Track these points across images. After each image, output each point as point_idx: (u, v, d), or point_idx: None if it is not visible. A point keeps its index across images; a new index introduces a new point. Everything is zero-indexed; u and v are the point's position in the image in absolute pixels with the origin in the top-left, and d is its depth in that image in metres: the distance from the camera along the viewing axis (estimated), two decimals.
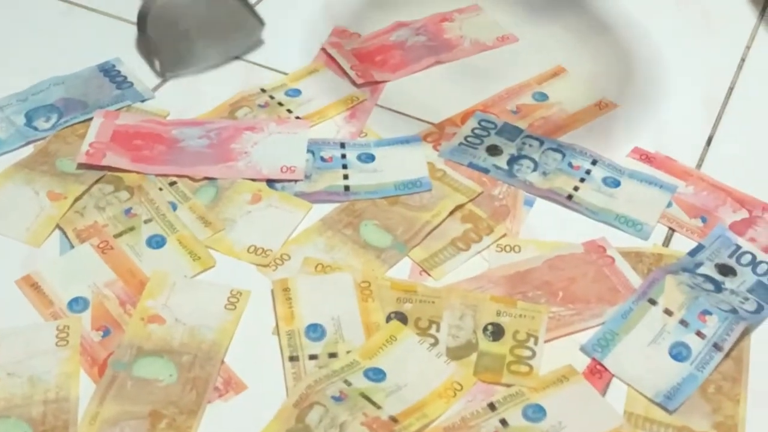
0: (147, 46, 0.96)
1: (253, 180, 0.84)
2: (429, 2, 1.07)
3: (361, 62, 0.97)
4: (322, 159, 0.85)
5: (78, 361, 0.71)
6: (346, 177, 0.84)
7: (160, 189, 0.84)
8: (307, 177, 0.84)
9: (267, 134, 0.88)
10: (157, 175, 0.85)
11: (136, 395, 0.69)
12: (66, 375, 0.70)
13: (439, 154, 0.88)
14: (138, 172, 0.85)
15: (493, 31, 1.03)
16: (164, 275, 0.77)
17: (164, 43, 0.93)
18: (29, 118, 0.90)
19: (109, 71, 0.96)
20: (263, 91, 0.94)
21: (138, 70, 0.96)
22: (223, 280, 0.77)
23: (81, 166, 0.85)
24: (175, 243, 0.79)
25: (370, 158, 0.86)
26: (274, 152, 0.86)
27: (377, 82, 0.95)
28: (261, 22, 0.96)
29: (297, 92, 0.93)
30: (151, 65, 0.95)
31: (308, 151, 0.87)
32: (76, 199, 0.82)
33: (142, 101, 0.93)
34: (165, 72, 0.94)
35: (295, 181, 0.84)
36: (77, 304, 0.75)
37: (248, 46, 0.98)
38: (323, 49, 0.99)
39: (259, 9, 0.99)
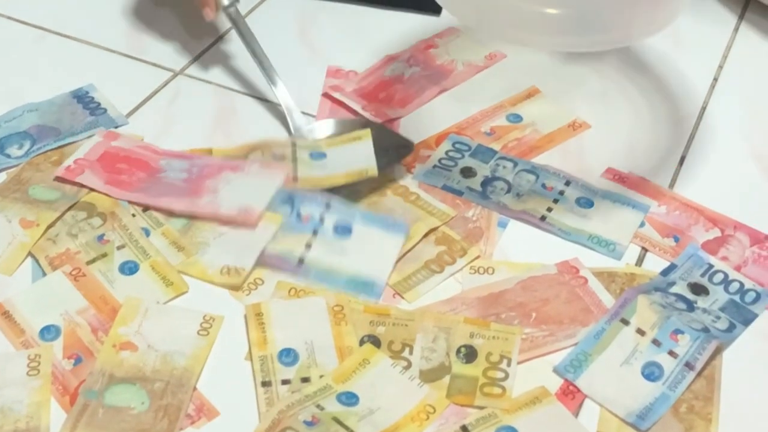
0: None
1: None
2: (402, 28, 1.07)
3: (368, 102, 0.96)
4: (298, 215, 0.83)
5: (49, 390, 0.71)
6: (308, 246, 0.81)
7: (133, 215, 0.84)
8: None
9: (244, 175, 0.86)
10: (129, 202, 0.84)
11: (108, 424, 0.69)
12: (37, 404, 0.70)
13: (413, 176, 0.89)
14: (106, 195, 0.85)
15: (479, 50, 1.03)
16: (137, 302, 0.76)
17: None
18: (1, 145, 0.90)
19: (83, 97, 0.96)
20: (293, 144, 0.90)
21: (112, 96, 0.96)
22: (197, 306, 0.77)
23: (57, 179, 0.85)
24: (148, 269, 0.79)
25: (346, 232, 0.82)
26: (240, 193, 0.84)
27: (392, 120, 0.95)
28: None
29: (322, 155, 0.89)
30: None
31: (289, 201, 0.84)
32: (49, 227, 0.82)
33: (116, 127, 0.93)
34: None
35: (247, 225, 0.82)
36: (49, 332, 0.75)
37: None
38: (326, 94, 0.98)
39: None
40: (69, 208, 0.84)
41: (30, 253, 0.80)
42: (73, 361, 0.73)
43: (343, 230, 0.82)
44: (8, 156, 0.89)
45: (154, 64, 1.01)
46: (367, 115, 0.94)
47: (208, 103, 0.97)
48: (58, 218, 0.83)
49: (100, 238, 0.82)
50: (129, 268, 0.79)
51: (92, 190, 0.85)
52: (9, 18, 1.06)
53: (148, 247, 0.81)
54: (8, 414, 0.69)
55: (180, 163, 0.88)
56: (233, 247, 0.81)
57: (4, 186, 0.86)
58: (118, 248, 0.81)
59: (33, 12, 1.07)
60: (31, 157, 0.89)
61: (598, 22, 0.76)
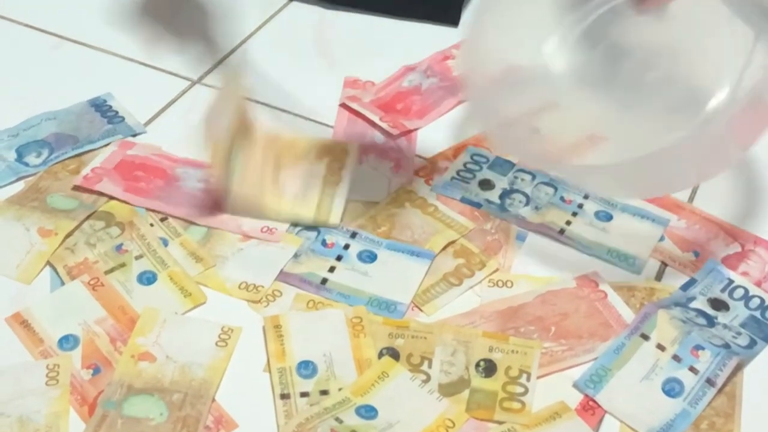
0: None
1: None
2: (419, 40, 1.07)
3: (386, 113, 0.96)
4: (324, 243, 0.83)
5: (68, 400, 0.71)
6: (331, 269, 0.81)
7: (152, 225, 0.84)
8: (296, 256, 0.82)
9: None
10: (147, 210, 0.84)
11: None
12: (55, 415, 0.70)
13: (432, 188, 0.88)
14: (126, 202, 0.85)
15: None
16: (155, 312, 0.76)
17: None
18: (20, 153, 0.90)
19: (101, 106, 0.96)
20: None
21: (129, 104, 0.96)
22: (215, 317, 0.77)
23: (76, 188, 0.86)
24: (166, 279, 0.79)
25: (371, 258, 0.82)
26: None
27: (410, 131, 0.95)
28: None
29: None
30: None
31: (315, 228, 0.84)
32: (67, 236, 0.82)
33: (134, 135, 0.93)
34: None
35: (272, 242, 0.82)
36: (67, 341, 0.75)
37: None
38: (343, 105, 0.97)
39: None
40: (87, 218, 0.84)
41: (48, 263, 0.80)
42: (91, 371, 0.73)
43: (369, 257, 0.82)
44: (26, 164, 0.89)
45: (172, 73, 1.01)
46: (385, 126, 0.94)
47: None
48: (77, 227, 0.83)
49: (119, 247, 0.81)
50: (147, 278, 0.79)
51: (111, 198, 0.85)
52: (27, 26, 1.06)
53: (166, 257, 0.81)
54: (27, 424, 0.69)
55: (195, 171, 0.88)
56: (252, 263, 0.81)
57: (22, 194, 0.86)
58: (137, 258, 0.81)
59: (51, 20, 1.07)
60: (49, 166, 0.89)
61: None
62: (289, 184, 0.86)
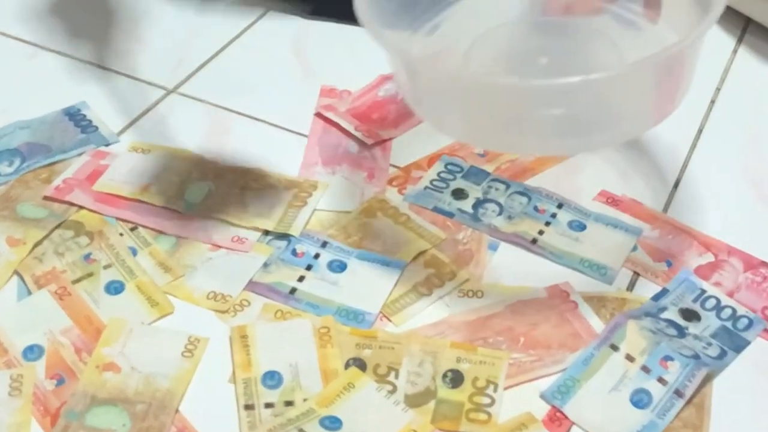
0: None
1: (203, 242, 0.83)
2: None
3: (361, 122, 0.96)
4: (294, 252, 0.82)
5: (30, 411, 0.70)
6: (301, 279, 0.80)
7: (121, 234, 0.83)
8: (266, 265, 0.81)
9: None
10: (117, 220, 0.84)
11: None
12: (17, 425, 0.69)
13: (404, 198, 0.88)
14: (96, 212, 0.84)
15: None
16: (121, 322, 0.76)
17: None
18: None
19: (75, 115, 0.95)
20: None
21: (103, 114, 0.96)
22: (182, 327, 0.77)
23: (47, 198, 0.85)
24: (134, 289, 0.79)
25: (341, 268, 0.81)
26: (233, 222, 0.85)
27: (384, 140, 0.94)
28: None
29: None
30: None
31: (284, 237, 0.84)
32: (36, 245, 0.82)
33: (107, 145, 0.92)
34: None
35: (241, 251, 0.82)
36: (32, 352, 0.74)
37: None
38: (318, 114, 0.97)
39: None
40: (57, 227, 0.83)
41: (16, 272, 0.80)
42: (55, 381, 0.72)
43: (338, 266, 0.81)
44: None
45: (147, 82, 1.01)
46: (359, 135, 0.94)
47: (201, 121, 0.97)
48: (46, 236, 0.82)
49: (87, 257, 0.81)
50: (115, 288, 0.79)
51: (82, 207, 0.85)
52: (2, 34, 1.06)
53: (134, 266, 0.80)
54: None
55: None
56: (221, 272, 0.80)
57: None
58: (105, 267, 0.80)
59: (25, 28, 1.06)
60: (21, 175, 0.88)
61: (595, 124, 0.73)
62: (253, 203, 0.86)
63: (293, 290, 0.79)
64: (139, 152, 0.91)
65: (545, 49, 0.81)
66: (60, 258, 0.81)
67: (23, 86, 1.00)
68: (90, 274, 0.80)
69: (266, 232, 0.84)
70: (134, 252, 0.82)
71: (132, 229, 0.84)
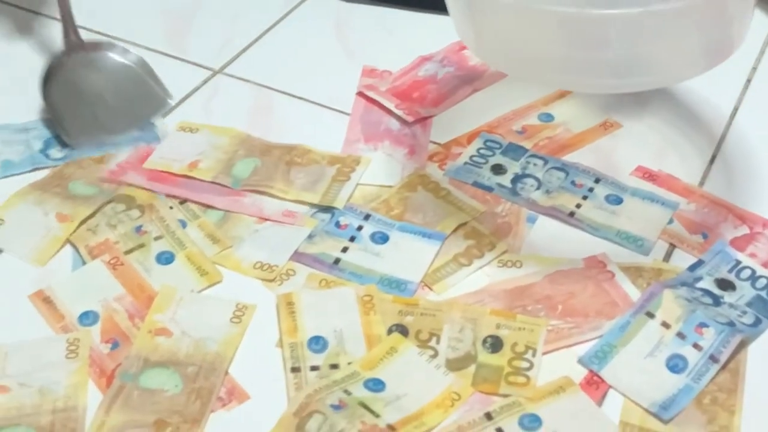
0: (51, 111, 0.94)
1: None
2: (436, 30, 1.08)
3: (402, 101, 0.98)
4: (337, 224, 0.85)
5: (87, 372, 0.73)
6: (344, 249, 0.83)
7: (171, 208, 0.86)
8: (311, 237, 0.84)
9: None
10: (167, 195, 0.87)
11: (142, 405, 0.71)
12: (75, 386, 0.72)
13: (445, 173, 0.90)
14: (150, 190, 0.87)
15: None
16: (172, 290, 0.79)
17: (67, 110, 0.93)
18: (46, 144, 0.92)
19: None
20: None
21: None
22: (230, 295, 0.79)
23: (102, 180, 0.88)
24: (184, 259, 0.81)
25: (383, 239, 0.83)
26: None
27: (425, 118, 0.96)
28: (168, 95, 0.96)
29: None
30: (57, 132, 0.93)
31: (332, 210, 0.86)
32: (82, 222, 0.84)
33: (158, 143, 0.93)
34: (70, 140, 0.92)
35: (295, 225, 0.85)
36: (87, 318, 0.77)
37: (156, 114, 0.96)
38: (360, 93, 1.00)
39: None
40: (105, 203, 0.86)
41: (70, 242, 0.83)
42: (110, 345, 0.75)
43: (381, 238, 0.84)
44: (47, 156, 0.91)
45: (194, 63, 1.04)
46: (400, 113, 0.96)
47: (246, 101, 0.99)
48: (92, 214, 0.85)
49: (138, 229, 0.84)
50: (165, 258, 0.82)
51: (136, 186, 0.88)
52: (53, 18, 1.09)
53: (184, 238, 0.83)
54: (47, 394, 0.71)
55: None
56: (267, 243, 0.83)
57: (46, 180, 0.89)
58: (155, 239, 0.83)
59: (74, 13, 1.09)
60: (67, 162, 0.91)
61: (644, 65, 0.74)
62: (298, 177, 0.89)
63: (337, 260, 0.82)
64: (187, 132, 0.94)
65: None
66: (112, 230, 0.84)
67: None
68: (141, 245, 0.82)
69: (312, 205, 0.86)
70: (183, 224, 0.84)
71: (181, 203, 0.86)
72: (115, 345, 0.75)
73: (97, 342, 0.75)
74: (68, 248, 0.83)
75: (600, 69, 0.74)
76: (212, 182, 0.88)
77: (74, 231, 0.84)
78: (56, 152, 0.92)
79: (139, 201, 0.86)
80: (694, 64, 0.76)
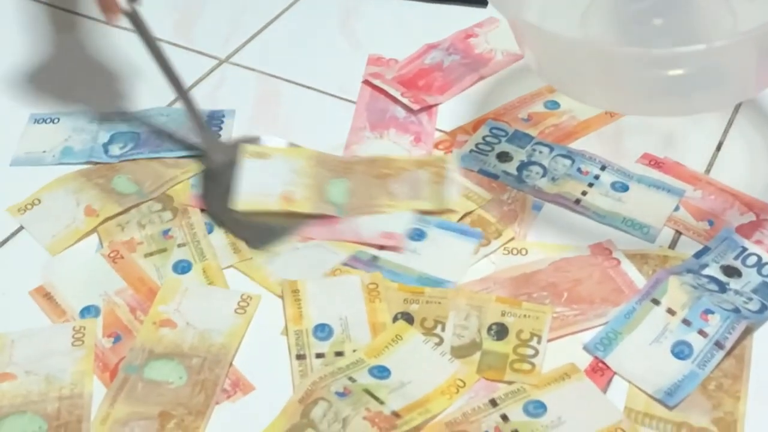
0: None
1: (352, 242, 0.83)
2: (442, 19, 1.08)
3: (407, 89, 0.98)
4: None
5: (92, 360, 0.74)
6: (380, 247, 0.82)
7: (203, 210, 0.85)
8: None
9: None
10: None
11: (146, 397, 0.71)
12: (80, 373, 0.72)
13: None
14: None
15: None
16: (177, 281, 0.79)
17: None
18: (111, 139, 0.92)
19: (215, 118, 0.95)
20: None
21: (158, 84, 0.97)
22: (235, 285, 0.80)
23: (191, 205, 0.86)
24: (199, 271, 0.81)
25: (421, 237, 0.83)
26: (376, 216, 0.84)
27: (431, 106, 0.96)
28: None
29: None
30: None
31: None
32: (107, 219, 0.84)
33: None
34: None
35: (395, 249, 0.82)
36: (89, 312, 0.77)
37: None
38: (366, 81, 0.99)
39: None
40: (135, 205, 0.85)
41: (98, 234, 0.83)
42: (112, 339, 0.76)
43: (418, 235, 0.83)
44: (106, 152, 0.90)
45: (200, 52, 1.04)
46: (405, 101, 0.96)
47: (252, 89, 0.99)
48: (119, 213, 0.84)
49: (166, 232, 0.83)
50: (182, 267, 0.81)
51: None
52: (64, 9, 1.09)
53: (206, 248, 0.82)
54: (53, 381, 0.72)
55: None
56: (301, 263, 0.81)
57: (94, 169, 0.89)
58: (179, 246, 0.82)
59: (82, 3, 1.10)
60: (119, 161, 0.90)
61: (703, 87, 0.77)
62: (397, 188, 0.86)
63: (375, 258, 0.82)
64: (257, 158, 0.88)
65: (658, 9, 0.84)
66: (141, 229, 0.83)
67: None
68: (164, 250, 0.82)
69: (424, 212, 0.85)
70: (210, 228, 0.84)
71: None
72: (117, 339, 0.76)
73: (99, 337, 0.76)
74: (85, 242, 0.83)
75: (654, 92, 0.78)
76: (320, 215, 0.84)
77: (98, 225, 0.83)
78: (116, 149, 0.91)
79: (176, 203, 0.86)
80: (745, 89, 0.80)
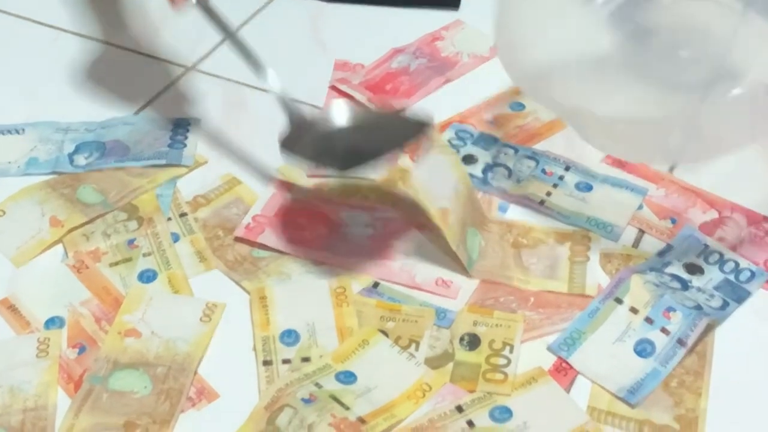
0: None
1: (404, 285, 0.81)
2: (409, 23, 1.08)
3: (374, 94, 0.98)
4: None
5: (57, 371, 0.73)
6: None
7: (169, 219, 0.85)
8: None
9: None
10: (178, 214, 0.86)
11: (111, 407, 0.71)
12: (45, 384, 0.72)
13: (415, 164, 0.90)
14: (290, 254, 0.82)
15: (484, 42, 1.04)
16: (142, 290, 0.79)
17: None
18: (77, 149, 0.91)
19: (180, 126, 0.95)
20: None
21: (124, 92, 0.98)
22: (201, 293, 0.80)
23: (237, 239, 0.83)
24: (165, 280, 0.81)
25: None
26: (432, 259, 0.82)
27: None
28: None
29: None
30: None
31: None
32: (71, 230, 0.84)
33: (179, 165, 0.90)
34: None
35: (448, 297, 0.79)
36: (53, 323, 0.77)
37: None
38: (333, 87, 0.99)
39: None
40: (101, 215, 0.85)
41: (63, 245, 0.83)
42: (77, 350, 0.75)
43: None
44: (71, 162, 0.90)
45: (167, 60, 1.04)
46: (372, 107, 0.96)
47: (218, 97, 0.99)
48: (84, 224, 0.84)
49: (131, 242, 0.83)
50: (147, 276, 0.81)
51: (274, 251, 0.83)
52: (26, 19, 1.09)
53: (171, 257, 0.82)
54: (17, 394, 0.71)
55: (361, 216, 0.86)
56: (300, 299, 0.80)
57: (60, 179, 0.88)
58: (144, 255, 0.82)
59: (47, 13, 1.09)
60: (86, 171, 0.89)
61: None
62: (533, 263, 0.82)
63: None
64: (441, 155, 0.85)
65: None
66: (106, 239, 0.83)
67: (46, 70, 1.02)
68: (129, 259, 0.82)
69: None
70: (176, 238, 0.83)
71: (181, 215, 0.85)
72: (82, 349, 0.75)
73: (64, 348, 0.75)
74: (50, 252, 0.83)
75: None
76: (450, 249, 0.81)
77: (63, 236, 0.83)
78: (81, 159, 0.90)
79: (141, 212, 0.85)
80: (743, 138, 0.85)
